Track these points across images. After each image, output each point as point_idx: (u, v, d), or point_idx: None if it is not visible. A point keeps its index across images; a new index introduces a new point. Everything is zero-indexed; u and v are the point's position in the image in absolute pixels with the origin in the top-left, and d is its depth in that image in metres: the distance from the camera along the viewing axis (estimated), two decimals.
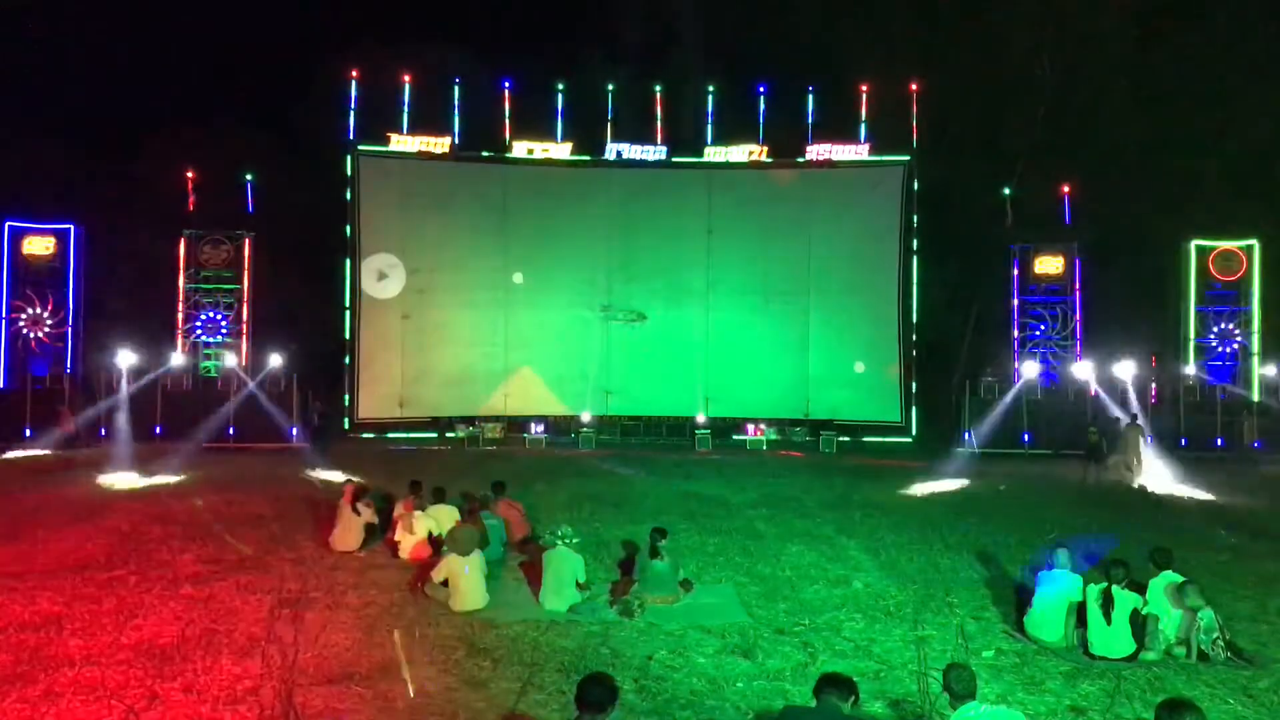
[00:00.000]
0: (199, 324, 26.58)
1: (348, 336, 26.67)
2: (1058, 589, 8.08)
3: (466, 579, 8.83)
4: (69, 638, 7.70)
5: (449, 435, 25.65)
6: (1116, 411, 22.32)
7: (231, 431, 24.10)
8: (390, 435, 26.11)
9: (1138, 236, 26.60)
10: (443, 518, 11.23)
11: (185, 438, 22.05)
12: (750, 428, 25.74)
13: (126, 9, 26.61)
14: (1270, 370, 25.52)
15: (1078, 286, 26.88)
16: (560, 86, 27.93)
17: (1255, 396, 25.66)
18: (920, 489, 17.25)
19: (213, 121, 25.31)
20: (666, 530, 9.90)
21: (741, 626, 8.36)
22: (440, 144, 27.39)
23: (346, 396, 26.48)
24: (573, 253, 27.74)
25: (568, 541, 9.21)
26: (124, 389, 23.52)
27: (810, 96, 28.05)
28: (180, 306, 26.50)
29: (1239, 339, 26.36)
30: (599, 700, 4.65)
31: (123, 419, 23.16)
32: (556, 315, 27.69)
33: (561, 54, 27.80)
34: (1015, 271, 27.07)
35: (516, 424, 26.12)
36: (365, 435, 26.14)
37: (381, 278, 26.80)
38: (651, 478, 18.48)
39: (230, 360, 26.00)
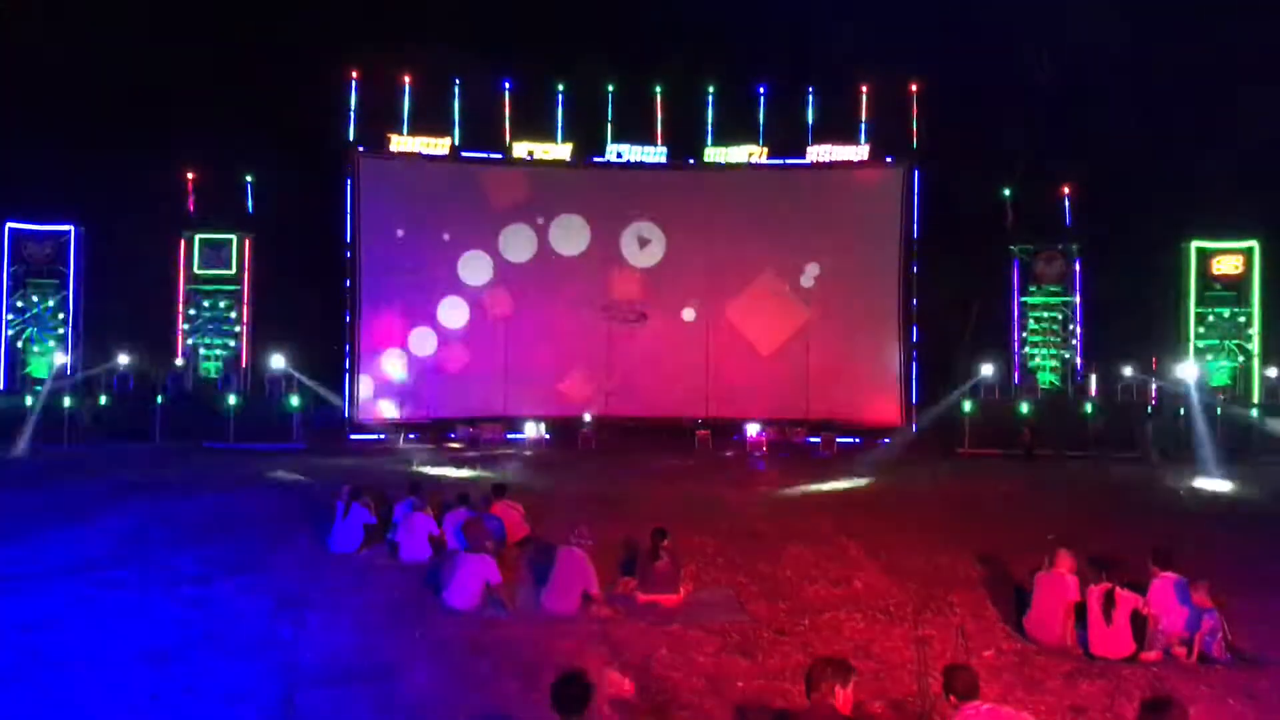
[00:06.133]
0: (198, 324, 26.55)
1: (347, 338, 26.66)
2: (1057, 589, 8.07)
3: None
4: (69, 638, 7.70)
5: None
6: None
7: (231, 432, 24.08)
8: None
9: (1138, 238, 26.55)
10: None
11: (185, 438, 22.01)
12: (750, 428, 25.71)
13: (126, 9, 26.60)
14: (1271, 372, 25.47)
15: (1078, 288, 26.87)
16: (560, 87, 27.92)
17: (1255, 398, 25.62)
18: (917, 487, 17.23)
19: (213, 121, 25.29)
20: (667, 530, 9.87)
21: (741, 626, 8.36)
22: (440, 144, 27.37)
23: (346, 397, 26.48)
24: (572, 253, 27.70)
25: (580, 542, 9.16)
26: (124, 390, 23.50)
27: (810, 97, 28.05)
28: (180, 307, 26.48)
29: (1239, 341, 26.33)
30: (574, 700, 4.50)
31: (122, 420, 23.15)
32: (557, 315, 27.69)
33: (561, 54, 27.75)
34: (1015, 273, 27.06)
35: (516, 424, 26.11)
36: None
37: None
38: (652, 478, 18.45)
39: (229, 361, 25.98)
